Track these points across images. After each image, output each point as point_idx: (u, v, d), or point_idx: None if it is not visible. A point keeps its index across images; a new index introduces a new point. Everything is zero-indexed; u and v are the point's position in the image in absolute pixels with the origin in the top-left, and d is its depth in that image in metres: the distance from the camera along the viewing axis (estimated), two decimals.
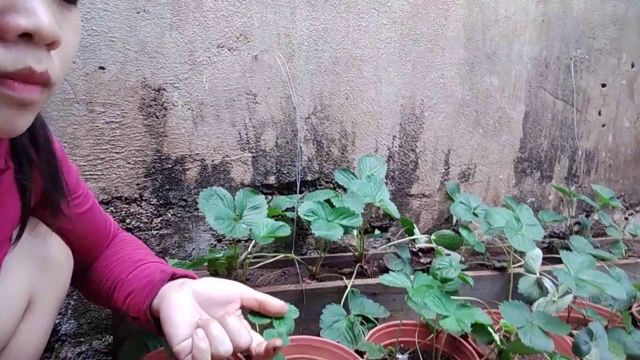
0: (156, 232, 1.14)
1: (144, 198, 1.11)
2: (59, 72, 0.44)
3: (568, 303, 1.02)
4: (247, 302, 0.66)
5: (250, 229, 0.90)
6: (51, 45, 0.41)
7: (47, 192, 0.60)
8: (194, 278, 0.70)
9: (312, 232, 0.96)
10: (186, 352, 0.57)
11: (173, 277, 0.68)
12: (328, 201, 1.07)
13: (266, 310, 0.66)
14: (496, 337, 0.86)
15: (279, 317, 0.69)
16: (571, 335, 0.91)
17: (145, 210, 1.12)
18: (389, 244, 1.33)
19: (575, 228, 1.70)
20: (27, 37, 0.39)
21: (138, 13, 1.03)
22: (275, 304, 0.67)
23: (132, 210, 1.10)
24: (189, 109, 1.11)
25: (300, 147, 1.25)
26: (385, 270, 1.13)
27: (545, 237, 1.66)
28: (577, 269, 0.87)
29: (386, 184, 1.38)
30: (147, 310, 0.64)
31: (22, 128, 0.43)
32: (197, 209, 1.10)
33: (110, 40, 1.02)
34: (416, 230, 1.27)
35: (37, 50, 0.40)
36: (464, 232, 1.19)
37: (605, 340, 0.85)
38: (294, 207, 1.15)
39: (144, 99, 1.07)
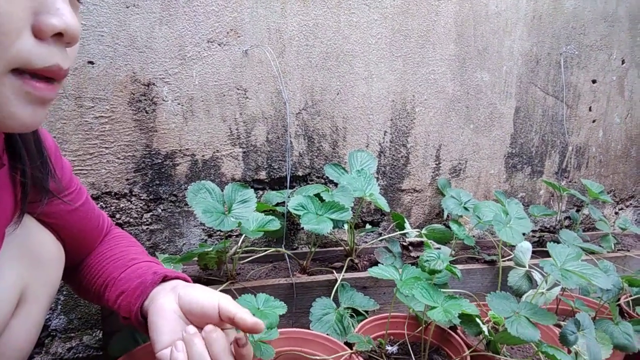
0: (146, 227, 1.14)
1: (133, 193, 1.11)
2: (68, 68, 0.47)
3: (556, 295, 1.03)
4: (224, 317, 0.60)
5: (240, 223, 0.90)
6: (70, 43, 0.44)
7: (34, 176, 0.59)
8: (186, 280, 0.68)
9: (302, 226, 0.96)
10: None
11: (165, 279, 0.67)
12: (318, 195, 1.08)
13: (238, 326, 0.59)
14: (484, 328, 0.87)
15: (253, 333, 0.60)
16: (559, 325, 0.92)
17: (135, 205, 1.12)
18: (380, 238, 1.34)
19: (566, 222, 1.71)
20: (58, 36, 0.42)
21: (127, 7, 1.03)
22: (247, 320, 0.58)
23: (121, 205, 1.10)
24: (178, 104, 1.11)
25: (291, 142, 1.25)
26: (376, 264, 1.12)
27: (535, 231, 1.67)
28: (564, 260, 0.88)
29: (377, 179, 1.39)
30: (137, 312, 0.64)
31: (41, 122, 0.47)
32: (188, 204, 1.10)
33: (99, 35, 1.02)
34: (407, 224, 1.28)
35: (62, 48, 0.44)
36: (454, 226, 1.20)
37: (593, 331, 0.86)
38: (284, 202, 1.15)
39: (133, 94, 1.07)
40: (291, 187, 1.25)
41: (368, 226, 1.37)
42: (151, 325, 0.60)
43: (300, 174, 1.29)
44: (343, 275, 1.06)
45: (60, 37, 0.42)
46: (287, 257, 1.13)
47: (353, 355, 0.85)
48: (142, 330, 0.64)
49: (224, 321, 0.60)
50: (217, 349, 0.56)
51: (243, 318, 0.58)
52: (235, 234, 1.23)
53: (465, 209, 1.28)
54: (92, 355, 1.12)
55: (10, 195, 0.58)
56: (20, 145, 0.57)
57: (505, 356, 0.88)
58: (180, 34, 1.09)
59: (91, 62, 1.02)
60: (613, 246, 1.44)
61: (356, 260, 1.19)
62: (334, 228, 1.00)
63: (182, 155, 1.14)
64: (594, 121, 1.72)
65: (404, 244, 1.25)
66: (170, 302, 0.62)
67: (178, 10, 1.08)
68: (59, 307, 1.08)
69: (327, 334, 0.91)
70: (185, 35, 1.09)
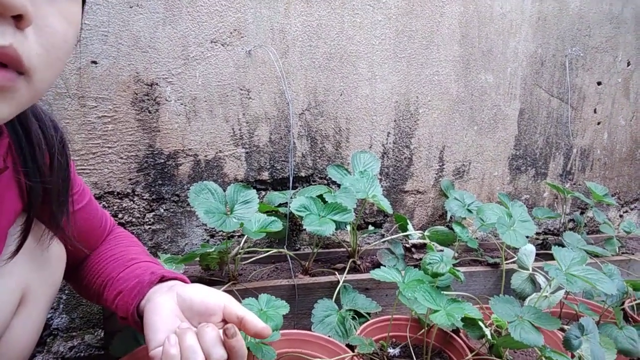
0: (149, 227, 1.14)
1: (136, 193, 1.11)
2: (37, 58, 0.40)
3: (560, 298, 1.02)
4: (229, 317, 0.60)
5: (242, 224, 0.90)
6: (19, 20, 0.37)
7: (50, 210, 0.60)
8: (184, 281, 0.68)
9: (304, 227, 0.96)
10: (160, 357, 0.55)
11: (162, 279, 0.66)
12: (321, 197, 1.07)
13: (245, 329, 0.59)
14: (487, 331, 0.86)
15: (259, 338, 0.61)
16: (562, 330, 0.91)
17: (138, 205, 1.11)
18: (383, 239, 1.33)
19: (570, 225, 1.70)
20: None
21: (131, 7, 1.03)
22: (256, 324, 0.59)
23: (124, 205, 1.10)
24: (182, 104, 1.11)
25: (294, 143, 1.25)
26: (379, 265, 1.12)
27: (539, 233, 1.66)
28: (569, 264, 0.87)
29: (380, 180, 1.38)
30: (134, 311, 0.63)
31: None
32: (190, 204, 1.10)
33: (102, 35, 1.02)
34: (410, 226, 1.27)
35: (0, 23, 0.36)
36: (457, 228, 1.19)
37: (596, 335, 0.86)
38: (287, 203, 1.15)
39: (136, 94, 1.07)
40: (294, 187, 1.24)
41: (371, 227, 1.37)
42: (147, 323, 0.59)
43: (303, 174, 1.29)
44: (345, 277, 1.06)
45: None
46: (289, 258, 1.13)
47: (355, 357, 0.84)
48: (139, 330, 0.63)
49: (227, 322, 0.59)
50: (208, 340, 0.55)
51: (253, 321, 0.59)
52: (237, 234, 1.23)
53: (469, 211, 1.27)
54: (93, 354, 1.12)
55: (15, 197, 0.58)
56: (35, 149, 0.57)
57: None
58: (184, 34, 1.09)
59: (94, 62, 1.02)
60: (617, 249, 1.43)
61: (358, 262, 1.19)
62: (336, 229, 0.99)
63: (184, 155, 1.14)
64: (598, 123, 1.71)
65: (407, 245, 1.24)
66: (167, 301, 0.61)
67: (181, 10, 1.08)
68: (61, 306, 1.08)
69: (329, 336, 0.91)
70: (188, 35, 1.09)
